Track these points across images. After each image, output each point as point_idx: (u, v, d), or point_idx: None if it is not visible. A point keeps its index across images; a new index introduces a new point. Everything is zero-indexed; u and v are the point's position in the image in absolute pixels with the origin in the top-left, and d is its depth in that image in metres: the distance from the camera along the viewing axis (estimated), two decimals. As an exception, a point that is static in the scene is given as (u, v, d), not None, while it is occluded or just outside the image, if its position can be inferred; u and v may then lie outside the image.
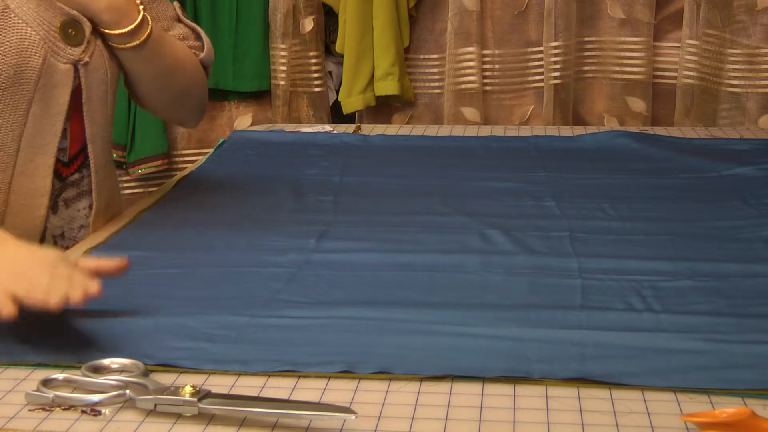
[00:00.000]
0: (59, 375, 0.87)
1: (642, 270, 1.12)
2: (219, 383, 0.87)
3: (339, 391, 0.86)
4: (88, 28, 1.21)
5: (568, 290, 1.07)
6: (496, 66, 2.28)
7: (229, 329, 0.97)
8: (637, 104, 2.24)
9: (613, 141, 1.78)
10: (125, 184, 2.44)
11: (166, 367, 0.90)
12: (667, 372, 0.87)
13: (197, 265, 1.17)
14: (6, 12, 1.14)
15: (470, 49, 2.24)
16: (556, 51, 2.22)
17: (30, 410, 0.82)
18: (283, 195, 1.48)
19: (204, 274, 1.14)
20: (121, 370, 0.88)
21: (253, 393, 0.85)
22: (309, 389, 0.86)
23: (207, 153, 1.90)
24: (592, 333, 0.94)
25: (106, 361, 0.89)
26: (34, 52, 1.15)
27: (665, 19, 2.25)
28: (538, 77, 2.27)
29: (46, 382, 0.85)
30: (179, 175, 1.68)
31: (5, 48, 1.14)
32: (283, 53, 2.29)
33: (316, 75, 2.33)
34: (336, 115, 2.39)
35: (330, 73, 2.45)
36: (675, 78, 2.23)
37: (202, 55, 1.37)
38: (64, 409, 0.82)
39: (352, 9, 2.24)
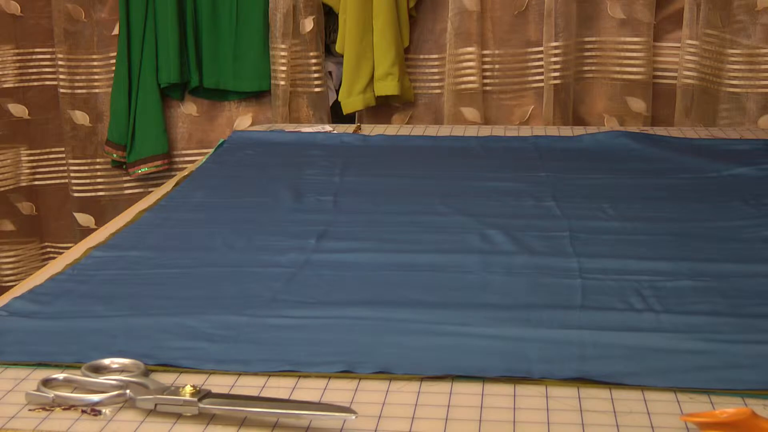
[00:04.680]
0: (59, 375, 0.87)
1: (642, 270, 1.12)
2: (219, 383, 0.87)
3: (339, 391, 0.86)
4: None
5: (568, 290, 1.07)
6: (496, 66, 2.27)
7: (229, 329, 0.97)
8: (637, 104, 2.24)
9: (613, 141, 1.78)
10: (125, 184, 2.44)
11: (166, 367, 0.90)
12: (667, 372, 0.87)
13: (197, 265, 1.17)
14: None
15: (470, 49, 2.24)
16: (556, 51, 2.22)
17: (30, 410, 0.82)
18: (283, 195, 1.48)
19: (204, 274, 1.14)
20: (121, 370, 0.88)
21: (253, 393, 0.85)
22: (309, 389, 0.86)
23: (207, 153, 1.90)
24: (592, 333, 0.94)
25: (106, 361, 0.89)
26: None
27: (665, 19, 2.25)
28: (538, 77, 2.26)
29: (46, 382, 0.85)
30: (179, 175, 1.68)
31: None
32: (283, 53, 2.29)
33: (316, 75, 2.33)
34: (336, 115, 2.39)
35: (330, 73, 2.45)
36: (675, 78, 2.23)
37: None
38: (64, 409, 0.82)
39: (352, 9, 2.24)
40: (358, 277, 1.12)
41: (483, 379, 0.87)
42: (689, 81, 2.20)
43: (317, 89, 2.34)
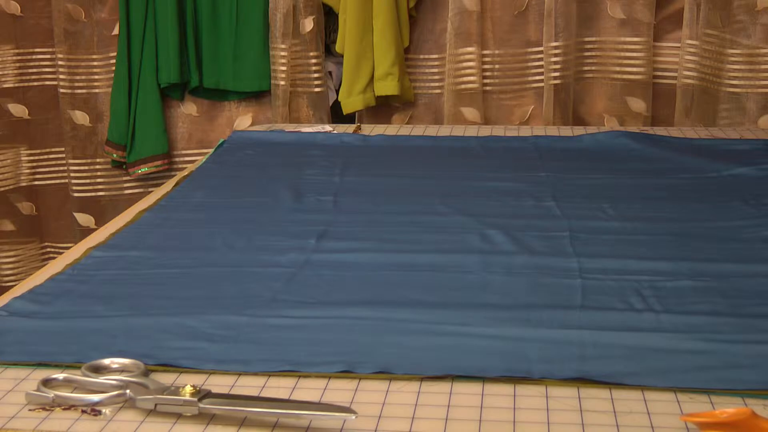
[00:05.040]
0: (59, 375, 0.87)
1: (642, 270, 1.12)
2: (219, 383, 0.87)
3: (339, 391, 0.86)
4: None
5: (568, 290, 1.07)
6: (496, 66, 2.27)
7: (229, 329, 0.97)
8: (637, 104, 2.24)
9: (613, 141, 1.78)
10: (125, 184, 2.44)
11: (166, 367, 0.90)
12: (667, 372, 0.87)
13: (197, 265, 1.17)
14: None
15: (470, 49, 2.24)
16: (556, 51, 2.22)
17: (30, 410, 0.82)
18: (283, 195, 1.48)
19: (204, 274, 1.14)
20: (121, 370, 0.88)
21: (253, 393, 0.85)
22: (309, 389, 0.86)
23: (207, 153, 1.90)
24: (592, 333, 0.94)
25: (106, 361, 0.89)
26: None
27: (665, 19, 2.25)
28: (538, 77, 2.26)
29: (46, 382, 0.85)
30: (179, 175, 1.68)
31: None
32: (283, 53, 2.29)
33: (316, 75, 2.33)
34: (336, 115, 2.39)
35: (330, 73, 2.45)
36: (675, 78, 2.23)
37: None
38: (64, 409, 0.82)
39: (352, 9, 2.24)
40: (358, 277, 1.12)
41: (483, 379, 0.87)
42: (689, 81, 2.20)
43: (317, 89, 2.34)
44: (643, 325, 0.97)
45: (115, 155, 2.36)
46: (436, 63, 2.31)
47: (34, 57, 2.41)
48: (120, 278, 1.13)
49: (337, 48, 2.31)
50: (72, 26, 2.35)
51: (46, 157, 2.47)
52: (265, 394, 0.85)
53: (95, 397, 0.83)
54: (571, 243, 1.23)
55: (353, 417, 0.77)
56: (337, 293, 1.07)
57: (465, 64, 2.25)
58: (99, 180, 2.43)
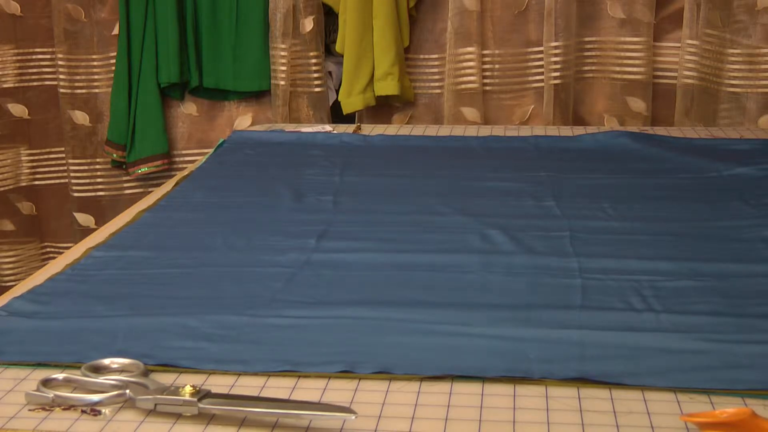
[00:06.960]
0: (59, 375, 0.87)
1: (642, 270, 1.12)
2: (219, 383, 0.87)
3: (339, 391, 0.86)
4: None
5: (568, 290, 1.07)
6: (496, 66, 2.27)
7: (229, 329, 0.97)
8: (637, 104, 2.24)
9: (613, 141, 1.78)
10: (125, 184, 2.44)
11: (166, 367, 0.90)
12: (667, 372, 0.87)
13: (197, 265, 1.17)
14: None
15: (470, 49, 2.24)
16: (556, 51, 2.22)
17: (30, 410, 0.82)
18: (283, 195, 1.48)
19: (204, 274, 1.14)
20: (121, 370, 0.88)
21: (253, 393, 0.85)
22: (309, 389, 0.86)
23: (207, 153, 1.90)
24: (592, 333, 0.94)
25: (106, 361, 0.89)
26: None
27: (665, 19, 2.25)
28: (538, 77, 2.26)
29: (46, 382, 0.85)
30: (179, 175, 1.68)
31: None
32: (283, 53, 2.29)
33: (316, 75, 2.33)
34: (336, 115, 2.39)
35: (330, 73, 2.45)
36: (675, 78, 2.23)
37: None
38: (64, 409, 0.82)
39: (352, 9, 2.24)
40: (358, 277, 1.12)
41: (483, 379, 0.87)
42: (689, 81, 2.20)
43: (317, 89, 2.34)
44: (643, 325, 0.97)
45: (115, 155, 2.36)
46: (436, 63, 2.31)
47: (34, 57, 2.41)
48: (120, 278, 1.13)
49: (337, 48, 2.31)
50: (72, 26, 2.35)
51: (46, 157, 2.47)
52: (265, 394, 0.85)
53: (95, 397, 0.83)
54: (571, 243, 1.23)
55: (353, 417, 0.77)
56: (337, 293, 1.07)
57: (465, 64, 2.25)
58: (99, 180, 2.43)
